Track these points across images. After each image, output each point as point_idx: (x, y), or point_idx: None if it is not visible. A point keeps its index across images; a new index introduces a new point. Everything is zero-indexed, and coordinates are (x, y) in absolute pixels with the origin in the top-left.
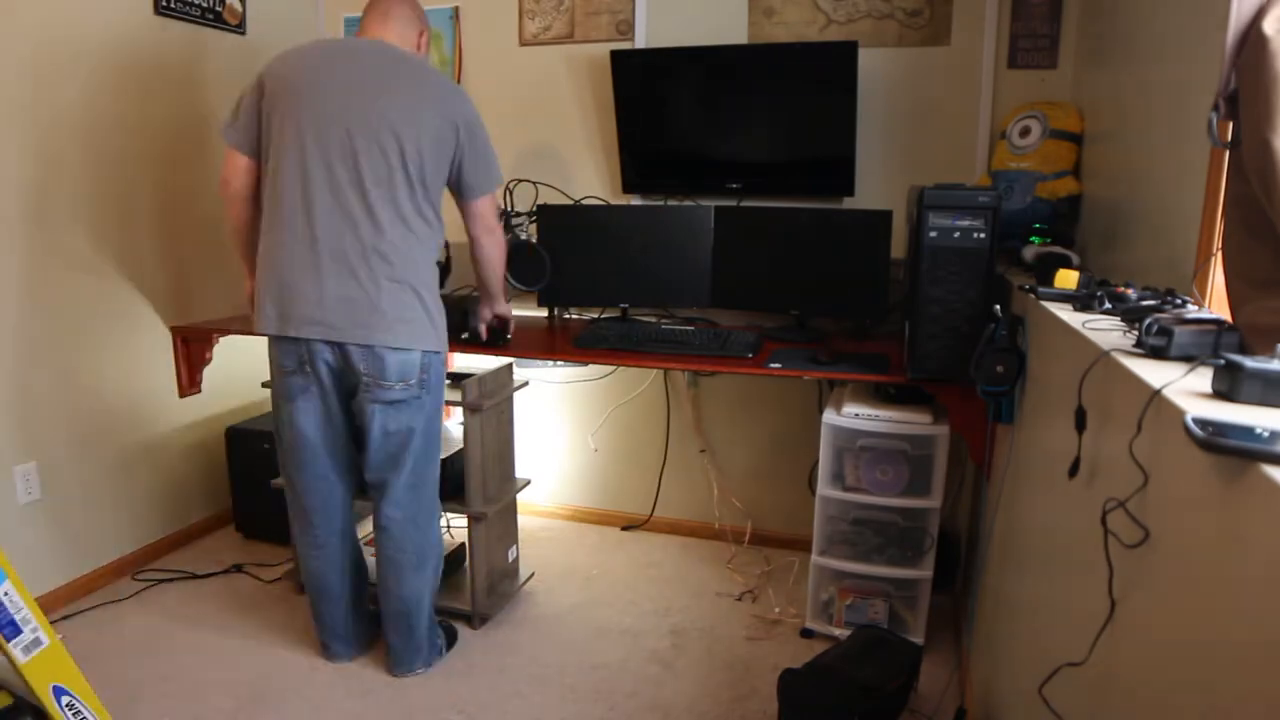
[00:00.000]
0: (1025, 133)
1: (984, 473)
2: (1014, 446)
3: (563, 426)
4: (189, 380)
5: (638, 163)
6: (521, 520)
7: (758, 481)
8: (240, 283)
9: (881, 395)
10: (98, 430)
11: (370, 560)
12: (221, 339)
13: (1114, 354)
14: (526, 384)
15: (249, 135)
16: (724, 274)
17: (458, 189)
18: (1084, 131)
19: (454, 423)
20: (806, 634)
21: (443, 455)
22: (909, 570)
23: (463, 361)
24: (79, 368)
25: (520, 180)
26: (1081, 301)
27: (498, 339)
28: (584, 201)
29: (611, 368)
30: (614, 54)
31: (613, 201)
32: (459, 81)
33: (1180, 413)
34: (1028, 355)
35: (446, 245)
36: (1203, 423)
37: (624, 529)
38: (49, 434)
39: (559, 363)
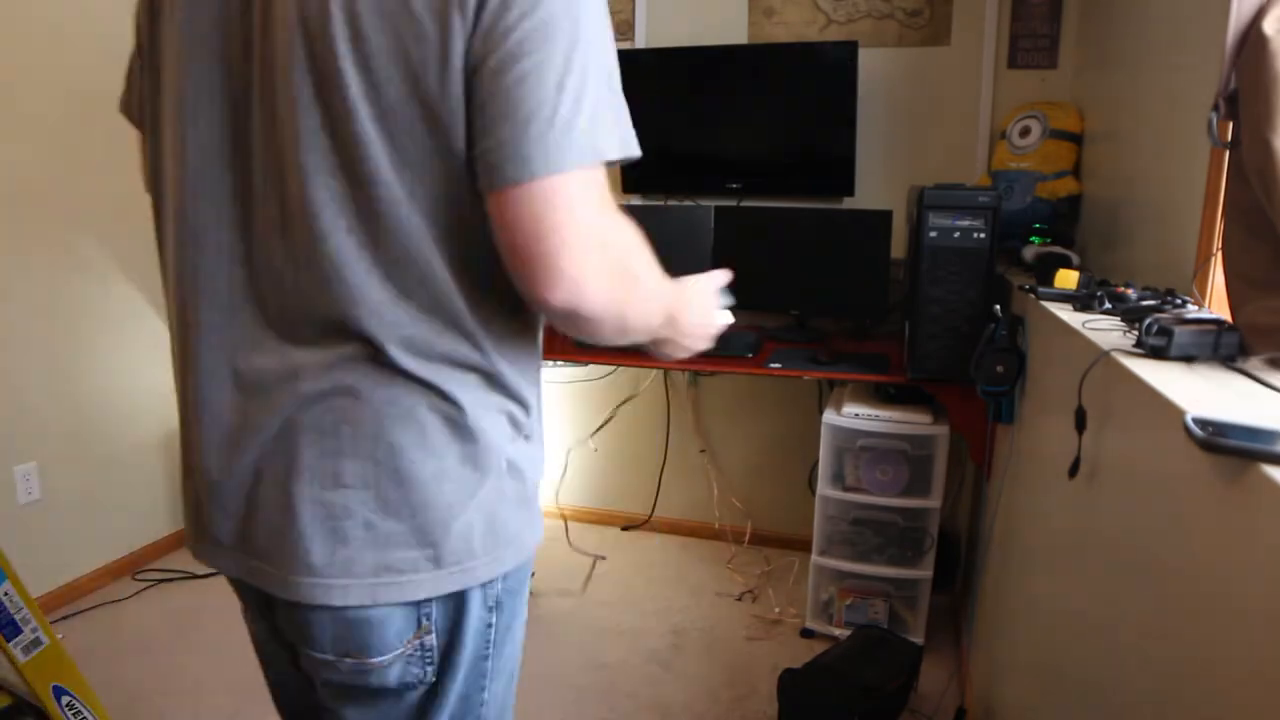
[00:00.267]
0: (1025, 133)
1: (984, 473)
2: (1014, 446)
3: (563, 426)
4: None
5: (638, 162)
6: None
7: (758, 481)
8: None
9: (881, 395)
10: (98, 430)
11: None
12: None
13: (1114, 354)
14: None
15: None
16: None
17: None
18: (1084, 131)
19: None
20: (806, 634)
21: None
22: (909, 570)
23: None
24: (79, 368)
25: None
26: (1081, 301)
27: None
28: None
29: (611, 368)
30: None
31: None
32: None
33: (1180, 413)
34: (1028, 355)
35: None
36: (1203, 423)
37: (624, 529)
38: (49, 434)
39: (559, 363)
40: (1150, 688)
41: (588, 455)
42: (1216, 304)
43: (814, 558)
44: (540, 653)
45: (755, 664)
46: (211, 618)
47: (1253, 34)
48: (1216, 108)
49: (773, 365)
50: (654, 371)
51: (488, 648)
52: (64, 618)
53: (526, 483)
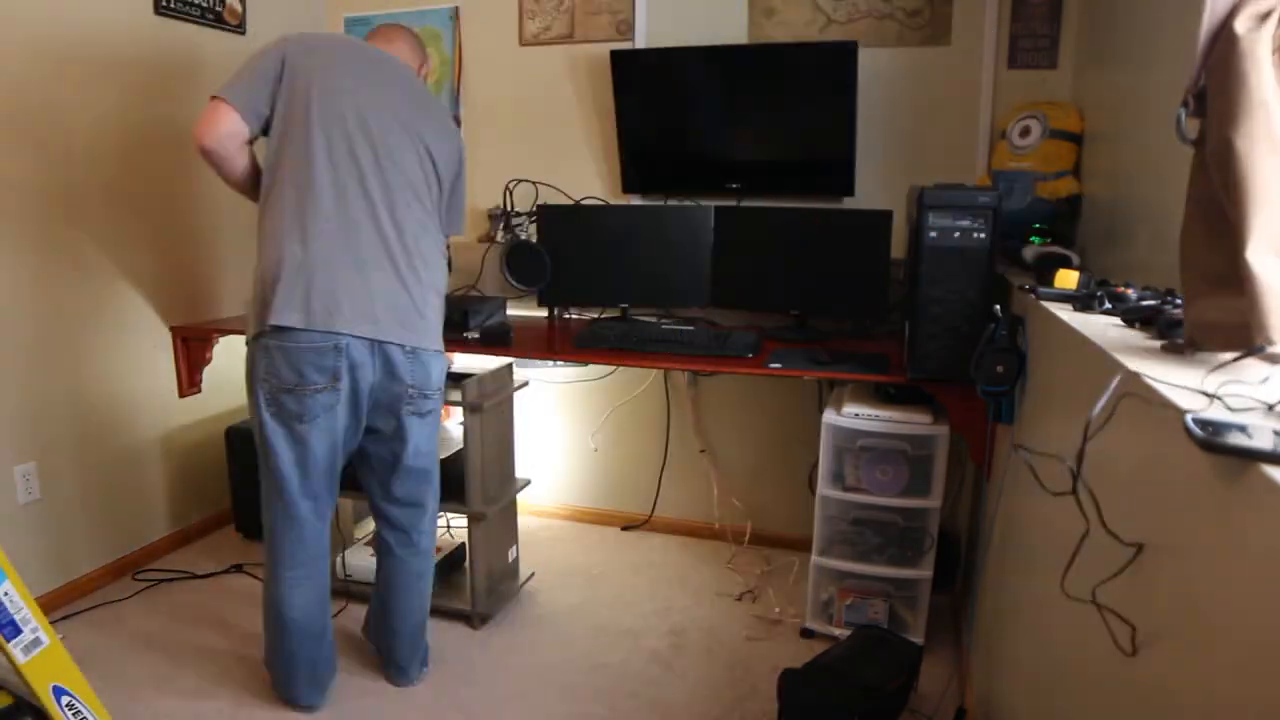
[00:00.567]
0: (1025, 133)
1: (984, 473)
2: (1013, 444)
3: (563, 426)
4: (189, 380)
5: (638, 162)
6: (521, 520)
7: (758, 481)
8: (242, 281)
9: (881, 395)
10: (98, 430)
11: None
12: (221, 339)
13: (1132, 356)
14: (526, 384)
15: (254, 102)
16: (724, 274)
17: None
18: (1084, 131)
19: (454, 423)
20: (806, 634)
21: (443, 455)
22: (909, 570)
23: (463, 361)
24: (79, 367)
25: (520, 180)
26: (1081, 301)
27: (497, 339)
28: (584, 201)
29: (611, 368)
30: (614, 54)
31: (613, 201)
32: (458, 82)
33: (1180, 413)
34: (1028, 355)
35: (448, 245)
36: (1203, 423)
37: (624, 529)
38: (49, 434)
39: (559, 363)
40: (1150, 688)
41: (588, 455)
42: None
43: (814, 558)
44: (540, 652)
45: (755, 664)
46: (211, 618)
47: (1224, 32)
48: (1186, 104)
49: (773, 365)
50: (654, 371)
51: None
52: (64, 618)
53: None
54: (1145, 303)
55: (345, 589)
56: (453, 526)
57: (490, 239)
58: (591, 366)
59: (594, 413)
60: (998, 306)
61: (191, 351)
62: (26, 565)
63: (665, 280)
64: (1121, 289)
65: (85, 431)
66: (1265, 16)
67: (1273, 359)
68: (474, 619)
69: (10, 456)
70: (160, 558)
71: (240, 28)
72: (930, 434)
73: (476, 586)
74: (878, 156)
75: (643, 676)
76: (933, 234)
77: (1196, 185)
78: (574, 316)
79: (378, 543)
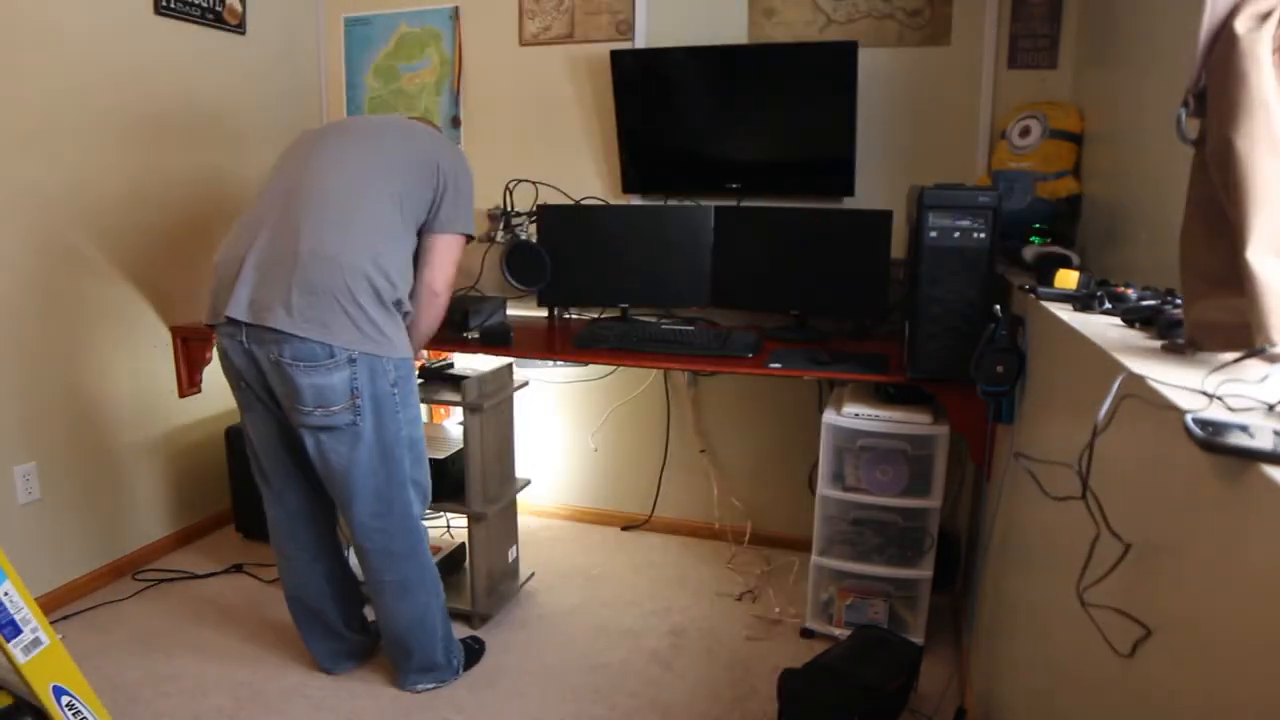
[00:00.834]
0: (1025, 133)
1: (984, 473)
2: (1014, 446)
3: (563, 426)
4: (189, 380)
5: (638, 163)
6: (521, 520)
7: (758, 481)
8: None
9: (881, 395)
10: (98, 430)
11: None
12: None
13: (1132, 356)
14: (526, 384)
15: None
16: (724, 274)
17: (430, 223)
18: (1084, 131)
19: (454, 423)
20: (806, 634)
21: (442, 455)
22: (909, 570)
23: (463, 361)
24: (79, 368)
25: (520, 180)
26: (1081, 301)
27: (497, 339)
28: (584, 201)
29: (611, 368)
30: (614, 54)
31: (613, 201)
32: (458, 82)
33: (1181, 413)
34: (1027, 355)
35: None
36: (1203, 423)
37: (624, 529)
38: (49, 434)
39: (559, 363)
40: (1150, 688)
41: (588, 455)
42: None
43: (814, 558)
44: (540, 652)
45: (755, 664)
46: (211, 618)
47: (1224, 32)
48: (1186, 104)
49: (773, 365)
50: (654, 371)
51: (400, 398)
52: (64, 618)
53: None
54: (1145, 303)
55: None
56: (453, 527)
57: (490, 239)
58: (591, 366)
59: (594, 413)
60: (998, 306)
61: (191, 351)
62: (26, 565)
63: (665, 280)
64: (1121, 289)
65: (85, 431)
66: (1265, 16)
67: (1273, 359)
68: (474, 619)
69: (10, 456)
70: (160, 558)
71: (240, 28)
72: (930, 434)
73: (476, 586)
74: (878, 156)
75: (643, 676)
76: (933, 234)
77: (1196, 185)
78: (574, 316)
79: None
